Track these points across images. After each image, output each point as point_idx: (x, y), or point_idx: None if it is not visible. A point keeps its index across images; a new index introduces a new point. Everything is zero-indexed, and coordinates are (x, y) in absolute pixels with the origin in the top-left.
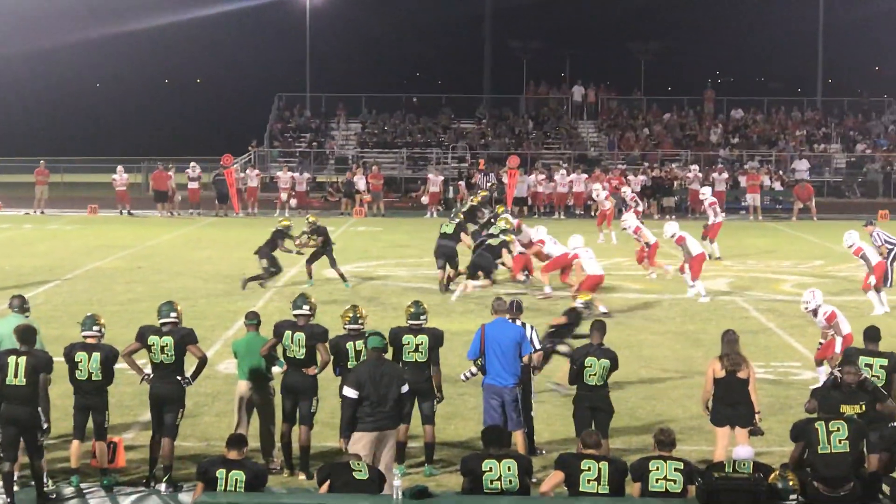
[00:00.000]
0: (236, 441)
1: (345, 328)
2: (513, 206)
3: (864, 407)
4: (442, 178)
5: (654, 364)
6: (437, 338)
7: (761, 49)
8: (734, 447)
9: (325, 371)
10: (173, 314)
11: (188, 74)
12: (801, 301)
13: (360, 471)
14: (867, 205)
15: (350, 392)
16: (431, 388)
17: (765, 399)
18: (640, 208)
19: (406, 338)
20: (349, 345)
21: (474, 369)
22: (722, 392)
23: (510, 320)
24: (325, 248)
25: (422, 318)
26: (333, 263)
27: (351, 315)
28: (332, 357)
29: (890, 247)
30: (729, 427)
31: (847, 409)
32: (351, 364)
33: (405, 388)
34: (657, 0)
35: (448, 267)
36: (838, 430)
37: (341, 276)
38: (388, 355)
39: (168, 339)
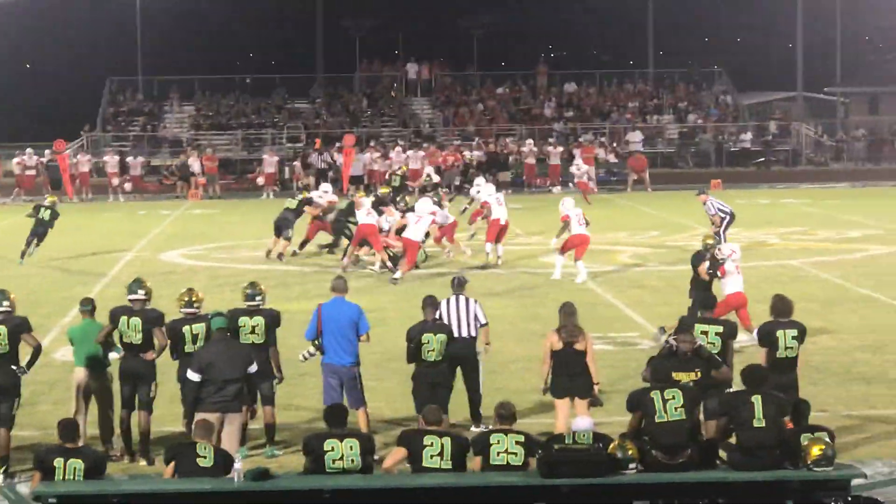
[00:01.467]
0: (68, 428)
1: (181, 311)
2: (349, 184)
3: (699, 374)
4: (277, 158)
5: (493, 338)
6: (273, 318)
7: (592, 22)
8: (573, 419)
9: (164, 355)
10: (6, 303)
11: (16, 59)
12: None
13: (206, 457)
14: (700, 175)
15: (193, 375)
16: (270, 369)
17: (604, 370)
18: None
19: (242, 319)
20: (186, 328)
21: (312, 349)
22: (560, 364)
23: (457, 296)
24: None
25: (257, 298)
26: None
27: (186, 299)
28: (168, 341)
29: (723, 215)
30: (568, 399)
31: (682, 377)
32: (188, 348)
33: (253, 368)
34: None
35: (281, 238)
36: (673, 398)
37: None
38: None
39: (2, 329)
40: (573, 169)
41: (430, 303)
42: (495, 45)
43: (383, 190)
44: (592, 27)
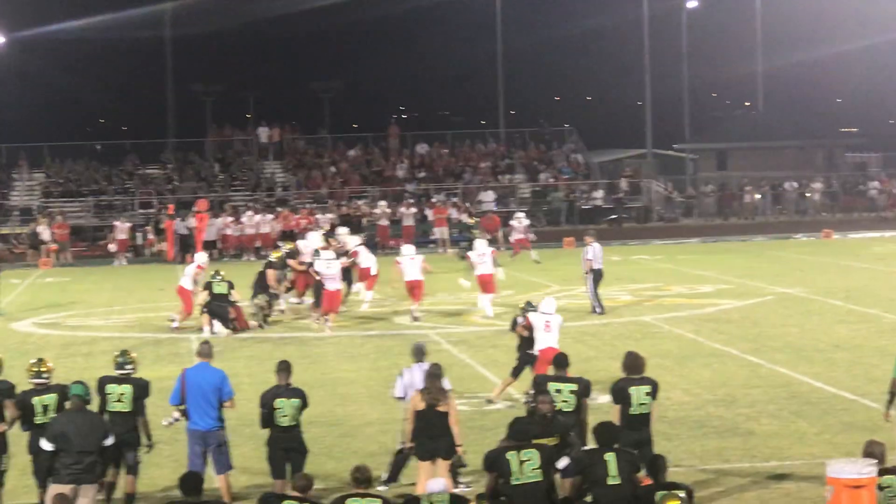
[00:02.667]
0: None
1: (30, 382)
2: (203, 249)
3: (559, 437)
4: (129, 225)
5: (346, 401)
6: (141, 388)
7: (444, 83)
8: (428, 481)
9: (15, 427)
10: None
11: None
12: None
13: None
14: (553, 232)
15: (46, 444)
16: (137, 438)
17: (463, 430)
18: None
19: (110, 387)
20: (36, 399)
21: (177, 414)
22: (423, 425)
23: (419, 364)
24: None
25: (127, 367)
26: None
27: (35, 369)
28: (19, 413)
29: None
30: (431, 461)
31: (542, 440)
32: (39, 419)
33: (109, 441)
34: (337, 38)
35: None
36: (530, 459)
37: None
38: (95, 405)
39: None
40: (514, 222)
41: (283, 367)
42: (347, 108)
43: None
44: (443, 88)
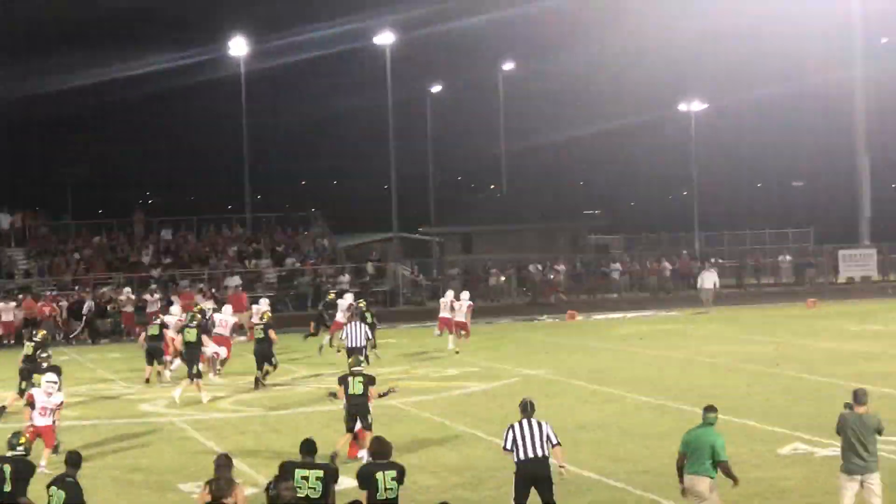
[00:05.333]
0: None
1: None
2: None
3: None
4: None
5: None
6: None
7: (189, 169)
8: None
9: None
10: None
11: None
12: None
13: None
14: (300, 317)
15: None
16: None
17: None
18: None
19: None
20: None
21: None
22: None
23: (528, 419)
24: None
25: (18, 448)
26: None
27: None
28: None
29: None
30: None
31: None
32: None
33: None
34: (81, 122)
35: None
36: None
37: None
38: None
39: None
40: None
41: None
42: (91, 194)
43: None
44: (189, 174)
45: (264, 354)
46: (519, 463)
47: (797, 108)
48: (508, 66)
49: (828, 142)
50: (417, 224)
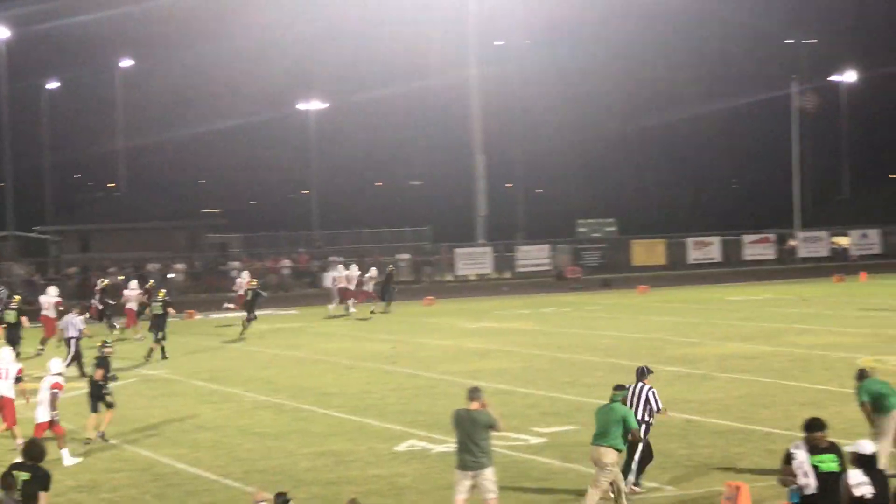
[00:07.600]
0: None
1: None
2: None
3: None
4: None
5: None
6: None
7: None
8: None
9: None
10: None
11: None
12: None
13: None
14: None
15: None
16: None
17: None
18: None
19: None
20: None
21: None
22: None
23: (639, 383)
24: None
25: None
26: None
27: None
28: None
29: None
30: None
31: None
32: None
33: None
34: None
35: None
36: None
37: None
38: None
39: None
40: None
41: None
42: None
43: None
44: None
45: None
46: None
47: (415, 107)
48: (127, 62)
49: (445, 141)
50: (33, 222)
